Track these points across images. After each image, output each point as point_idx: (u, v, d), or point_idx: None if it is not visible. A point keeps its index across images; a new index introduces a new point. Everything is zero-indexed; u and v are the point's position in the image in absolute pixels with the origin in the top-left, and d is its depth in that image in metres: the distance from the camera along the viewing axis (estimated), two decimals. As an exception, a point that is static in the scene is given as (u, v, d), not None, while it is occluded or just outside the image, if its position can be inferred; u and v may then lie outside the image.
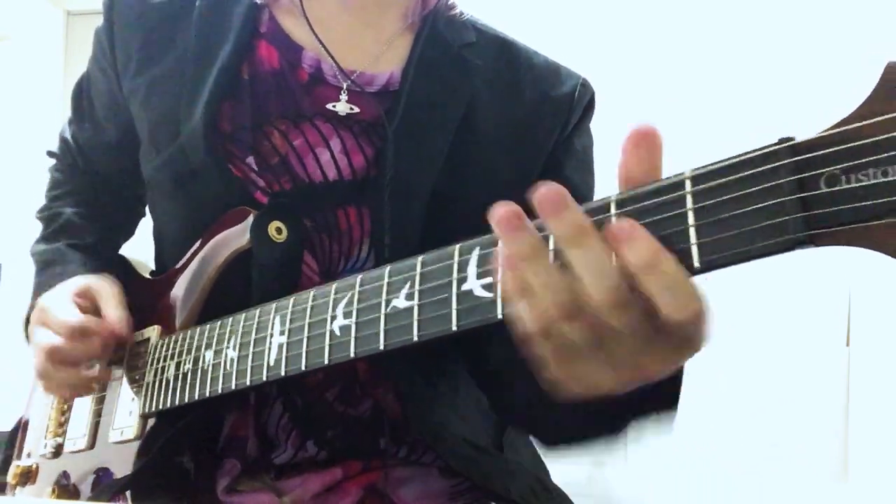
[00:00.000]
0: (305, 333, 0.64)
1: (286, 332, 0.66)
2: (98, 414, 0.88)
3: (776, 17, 1.65)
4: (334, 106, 0.83)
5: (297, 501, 0.81)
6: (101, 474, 0.84)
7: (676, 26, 1.71)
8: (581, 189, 0.88)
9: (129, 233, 1.07)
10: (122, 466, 0.81)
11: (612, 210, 0.47)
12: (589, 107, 0.90)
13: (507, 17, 1.01)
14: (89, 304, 0.84)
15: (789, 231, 0.39)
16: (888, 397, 1.43)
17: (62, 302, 0.83)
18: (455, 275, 0.54)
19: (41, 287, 0.90)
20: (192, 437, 0.80)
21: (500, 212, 0.47)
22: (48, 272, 0.92)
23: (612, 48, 1.69)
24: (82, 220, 0.99)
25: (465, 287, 0.54)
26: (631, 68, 1.69)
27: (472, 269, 0.54)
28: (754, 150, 0.42)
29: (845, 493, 1.44)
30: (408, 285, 0.58)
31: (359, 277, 0.62)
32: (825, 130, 0.40)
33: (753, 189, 0.41)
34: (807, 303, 1.50)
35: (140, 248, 1.03)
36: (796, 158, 0.40)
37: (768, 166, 0.41)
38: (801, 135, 0.41)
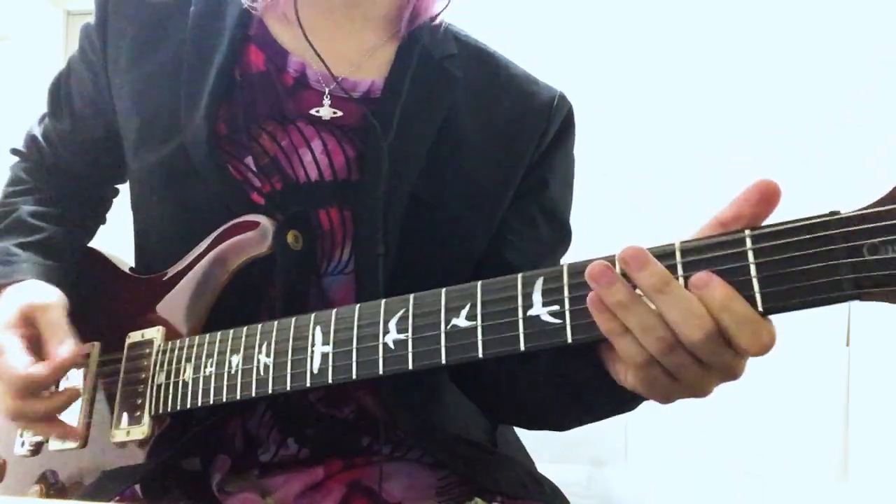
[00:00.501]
0: (354, 345, 0.69)
1: (331, 343, 0.71)
2: (89, 414, 0.88)
3: (775, 18, 1.66)
4: (318, 111, 0.87)
5: (282, 501, 0.83)
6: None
7: (684, 27, 1.70)
8: (560, 206, 0.95)
9: (91, 233, 1.05)
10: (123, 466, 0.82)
11: (678, 258, 0.56)
12: (568, 121, 0.95)
13: (491, 27, 1.05)
14: (32, 332, 0.83)
15: (843, 289, 0.50)
16: (888, 397, 1.45)
17: (4, 332, 0.82)
18: (520, 301, 0.62)
19: None
20: (205, 437, 0.82)
21: (595, 267, 0.55)
22: None
23: (624, 51, 1.67)
24: (36, 218, 0.96)
25: (531, 313, 0.61)
26: (641, 69, 1.66)
27: (537, 298, 0.61)
28: (807, 219, 0.52)
29: (845, 493, 1.46)
30: (468, 307, 0.64)
31: (412, 296, 0.67)
32: (866, 207, 0.51)
33: (810, 251, 0.51)
34: None
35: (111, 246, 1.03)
36: (844, 230, 0.51)
37: (823, 233, 0.51)
38: (845, 208, 0.51)
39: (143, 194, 0.92)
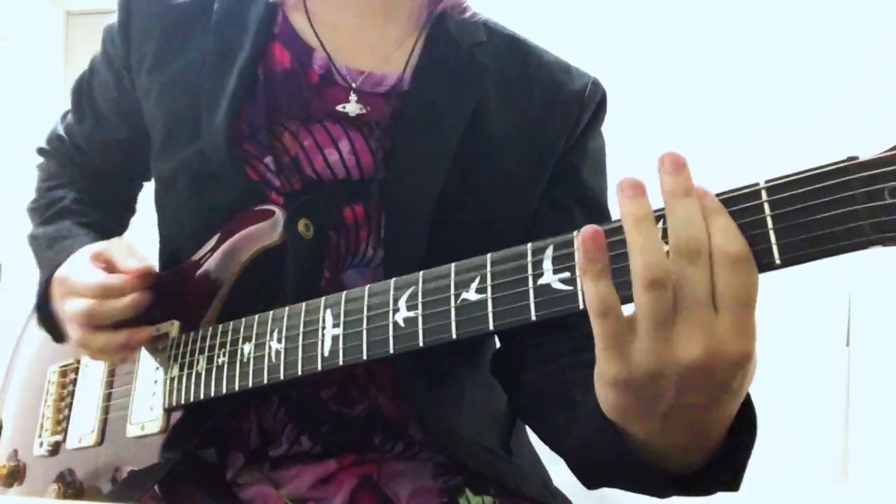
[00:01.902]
0: (364, 325, 0.68)
1: (341, 325, 0.69)
2: (106, 410, 0.88)
3: (775, 18, 1.67)
4: (344, 107, 0.85)
5: (293, 493, 0.83)
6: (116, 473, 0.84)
7: (684, 27, 1.71)
8: (596, 191, 0.90)
9: (122, 227, 1.07)
10: (140, 461, 0.82)
11: (691, 214, 0.54)
12: (600, 107, 0.91)
13: (519, 17, 1.01)
14: (107, 266, 0.83)
15: (865, 234, 0.47)
16: (888, 397, 1.44)
17: (81, 267, 0.83)
18: (530, 270, 0.60)
19: (51, 262, 0.89)
20: (220, 429, 0.81)
21: (627, 181, 0.53)
22: (56, 247, 0.91)
23: (624, 50, 1.69)
24: (81, 205, 0.98)
25: (541, 281, 0.59)
26: (642, 69, 1.67)
27: (547, 265, 0.59)
28: (824, 166, 0.50)
29: (845, 493, 1.45)
30: (477, 280, 0.63)
31: (420, 273, 0.66)
32: (886, 151, 0.48)
33: (828, 199, 0.49)
34: (807, 303, 1.48)
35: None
36: (864, 174, 0.48)
37: (840, 179, 0.49)
38: (864, 154, 0.49)
39: (167, 197, 0.91)
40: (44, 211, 0.99)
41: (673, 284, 0.51)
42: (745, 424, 0.58)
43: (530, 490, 0.85)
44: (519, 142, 0.87)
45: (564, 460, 0.74)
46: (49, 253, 0.91)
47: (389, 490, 0.84)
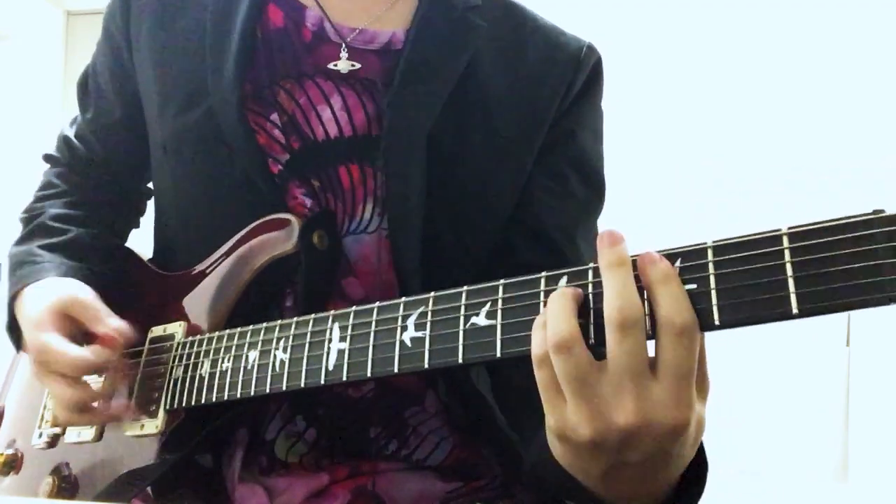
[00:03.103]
0: (371, 341, 0.67)
1: (347, 339, 0.69)
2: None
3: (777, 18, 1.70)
4: (335, 65, 0.85)
5: None
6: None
7: (683, 21, 1.73)
8: (591, 156, 0.91)
9: (120, 233, 1.05)
10: (136, 460, 0.81)
11: (710, 256, 0.53)
12: (596, 72, 0.91)
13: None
14: (70, 326, 0.82)
15: (885, 290, 0.46)
16: (888, 397, 1.46)
17: (50, 339, 0.79)
18: (542, 299, 0.59)
19: (12, 289, 0.88)
20: (218, 434, 0.81)
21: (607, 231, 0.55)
22: (17, 274, 0.89)
23: (625, 30, 1.70)
24: (60, 221, 0.95)
25: (553, 311, 0.58)
26: (639, 47, 1.69)
27: (560, 296, 0.58)
28: (849, 217, 0.49)
29: (845, 493, 1.46)
30: (488, 305, 0.62)
31: (431, 294, 0.65)
32: (913, 206, 0.48)
33: (850, 250, 0.48)
34: None
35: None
36: (889, 228, 0.47)
37: (865, 232, 0.48)
38: (890, 208, 0.48)
39: (167, 163, 0.90)
40: (24, 226, 0.97)
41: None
42: (695, 473, 0.59)
43: (539, 500, 0.83)
44: (512, 102, 0.87)
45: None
46: (10, 279, 0.90)
47: (387, 496, 0.84)
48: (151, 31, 0.90)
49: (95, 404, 0.81)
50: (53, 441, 0.90)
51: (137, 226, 1.09)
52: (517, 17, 0.92)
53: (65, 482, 0.86)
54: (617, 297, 0.52)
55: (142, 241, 1.04)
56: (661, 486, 0.58)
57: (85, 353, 0.78)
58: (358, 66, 0.85)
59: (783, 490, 1.48)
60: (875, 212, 0.48)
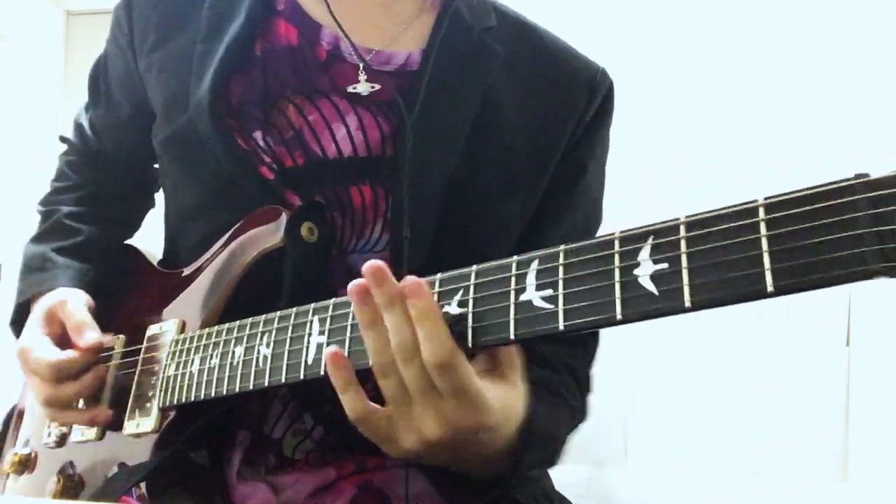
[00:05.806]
0: (348, 334, 0.65)
1: (326, 332, 0.67)
2: (109, 406, 0.87)
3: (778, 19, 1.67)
4: (355, 88, 0.84)
5: (291, 500, 0.81)
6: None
7: (686, 28, 1.73)
8: (597, 187, 0.93)
9: (131, 227, 1.07)
10: (134, 459, 0.81)
11: (682, 232, 0.49)
12: (608, 98, 0.91)
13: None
14: (57, 329, 0.87)
15: (868, 262, 0.41)
16: (888, 397, 1.44)
17: (36, 333, 0.87)
18: (513, 285, 0.56)
19: (25, 292, 0.94)
20: (210, 432, 0.80)
21: (354, 288, 0.61)
22: (29, 278, 0.95)
23: (630, 53, 1.69)
24: (73, 219, 0.99)
25: (523, 297, 0.55)
26: (646, 72, 1.69)
27: (531, 280, 0.55)
28: (829, 184, 0.44)
29: (845, 493, 1.45)
30: (460, 293, 0.59)
31: (405, 284, 0.62)
32: (899, 169, 0.42)
33: (830, 220, 0.43)
34: (807, 303, 1.49)
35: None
36: (872, 194, 0.42)
37: (845, 199, 0.43)
38: (875, 172, 0.43)
39: (165, 166, 0.93)
40: (42, 221, 1.01)
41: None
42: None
43: (524, 496, 0.81)
44: (528, 127, 0.87)
45: None
46: (21, 282, 0.96)
47: (392, 492, 0.82)
48: (156, 42, 0.91)
49: (81, 404, 0.85)
50: (61, 440, 0.90)
51: (153, 205, 1.11)
52: (532, 40, 0.92)
53: (70, 481, 0.86)
54: (396, 334, 0.60)
55: (152, 238, 1.04)
56: (490, 451, 0.66)
57: (60, 357, 0.83)
58: (378, 87, 0.84)
59: (783, 490, 1.47)
60: (857, 176, 0.43)
